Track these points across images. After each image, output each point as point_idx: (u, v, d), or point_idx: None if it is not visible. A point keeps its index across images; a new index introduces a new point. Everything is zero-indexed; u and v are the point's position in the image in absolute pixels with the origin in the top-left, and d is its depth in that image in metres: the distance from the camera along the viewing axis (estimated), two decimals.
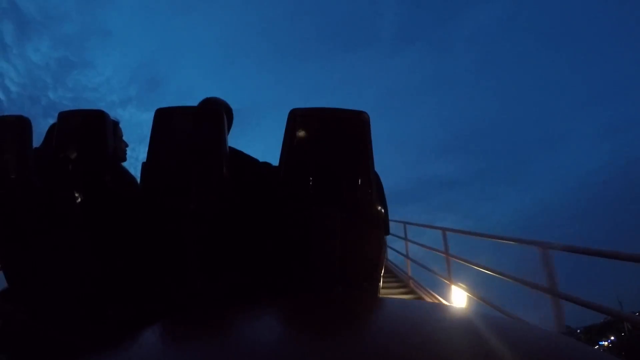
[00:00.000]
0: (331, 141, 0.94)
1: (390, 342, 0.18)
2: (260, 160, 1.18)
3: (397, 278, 5.06)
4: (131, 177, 1.22)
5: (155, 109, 1.03)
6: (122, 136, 1.46)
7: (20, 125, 1.06)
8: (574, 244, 2.04)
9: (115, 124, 1.41)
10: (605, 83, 71.26)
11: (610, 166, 68.20)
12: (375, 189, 0.95)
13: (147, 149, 1.01)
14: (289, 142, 0.92)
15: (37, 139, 1.19)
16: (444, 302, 3.51)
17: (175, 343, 0.23)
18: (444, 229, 3.79)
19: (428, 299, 4.20)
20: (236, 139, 1.15)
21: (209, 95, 1.31)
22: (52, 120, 1.21)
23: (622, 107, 68.40)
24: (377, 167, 1.00)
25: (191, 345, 0.21)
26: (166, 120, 1.01)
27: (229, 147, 1.04)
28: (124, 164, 1.41)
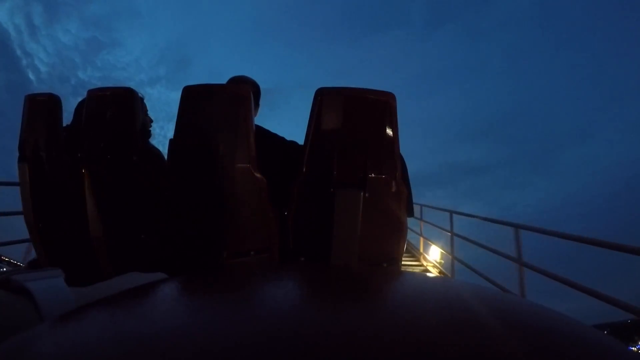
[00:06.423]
0: (357, 121, 0.92)
1: (403, 313, 0.18)
2: (287, 139, 1.19)
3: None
4: (158, 153, 1.25)
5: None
6: (147, 111, 1.49)
7: (51, 102, 1.09)
8: (599, 238, 1.83)
9: (140, 99, 1.45)
10: (638, 77, 66.10)
11: (639, 161, 63.83)
12: (399, 171, 0.93)
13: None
14: (315, 121, 0.91)
15: (67, 118, 1.22)
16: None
17: (187, 299, 0.23)
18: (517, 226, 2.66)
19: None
20: (265, 119, 1.16)
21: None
22: (81, 99, 1.23)
23: None
24: (403, 150, 0.98)
25: (206, 302, 0.21)
26: (193, 98, 1.02)
27: (256, 125, 1.04)
28: (150, 139, 1.44)
